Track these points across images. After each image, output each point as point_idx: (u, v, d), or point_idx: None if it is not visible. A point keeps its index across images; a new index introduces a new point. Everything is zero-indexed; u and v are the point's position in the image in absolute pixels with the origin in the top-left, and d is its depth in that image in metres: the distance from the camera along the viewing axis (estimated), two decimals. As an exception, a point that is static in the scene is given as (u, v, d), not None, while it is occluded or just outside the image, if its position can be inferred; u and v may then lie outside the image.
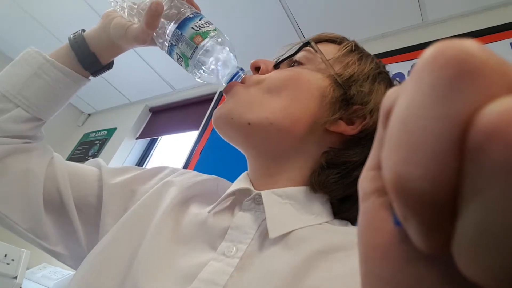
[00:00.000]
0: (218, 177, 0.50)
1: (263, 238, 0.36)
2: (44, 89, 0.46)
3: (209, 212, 0.41)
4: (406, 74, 1.22)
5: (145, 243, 0.37)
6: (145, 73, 2.05)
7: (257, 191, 0.40)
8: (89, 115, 2.72)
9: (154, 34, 0.44)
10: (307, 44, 0.45)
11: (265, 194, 0.39)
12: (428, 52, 0.10)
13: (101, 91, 2.32)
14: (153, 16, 0.41)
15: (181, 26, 0.42)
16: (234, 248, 0.35)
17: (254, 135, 0.41)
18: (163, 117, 2.22)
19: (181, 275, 0.33)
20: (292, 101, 0.41)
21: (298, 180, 0.41)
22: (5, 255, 1.19)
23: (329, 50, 0.45)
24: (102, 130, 2.41)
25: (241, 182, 0.43)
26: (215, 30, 0.43)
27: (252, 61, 0.47)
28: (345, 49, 0.46)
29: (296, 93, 0.42)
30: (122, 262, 0.36)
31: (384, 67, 0.50)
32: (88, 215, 0.46)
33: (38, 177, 0.44)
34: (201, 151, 1.60)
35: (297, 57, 0.46)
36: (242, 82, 0.45)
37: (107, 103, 2.50)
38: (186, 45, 0.41)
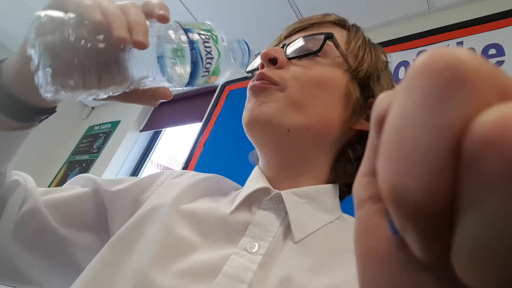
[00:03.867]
0: (217, 175, 0.49)
1: (284, 236, 0.36)
2: None
3: (230, 214, 0.39)
4: (411, 62, 1.20)
5: (151, 237, 0.36)
6: (148, 65, 2.04)
7: (276, 191, 0.40)
8: (93, 108, 2.73)
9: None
10: (329, 37, 0.42)
11: (285, 194, 0.39)
12: (419, 60, 0.10)
13: (104, 84, 2.32)
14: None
15: (190, 82, 0.33)
16: (256, 244, 0.35)
17: (289, 140, 0.40)
18: (166, 109, 2.22)
19: (202, 267, 0.33)
20: (325, 105, 0.41)
21: (318, 179, 0.42)
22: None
23: (338, 37, 0.44)
24: (106, 123, 2.42)
25: (258, 181, 0.42)
26: (215, 40, 0.33)
27: (264, 51, 0.43)
28: (357, 40, 0.45)
29: (326, 96, 0.41)
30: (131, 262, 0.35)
31: (387, 56, 0.50)
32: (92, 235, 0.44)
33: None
34: (205, 142, 1.60)
35: (313, 46, 0.43)
36: (267, 78, 0.41)
37: (110, 96, 2.50)
38: (204, 82, 0.34)
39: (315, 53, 0.42)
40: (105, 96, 0.31)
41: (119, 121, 2.33)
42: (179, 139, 2.30)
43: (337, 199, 0.43)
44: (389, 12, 1.38)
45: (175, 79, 0.32)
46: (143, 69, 0.31)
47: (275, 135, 0.40)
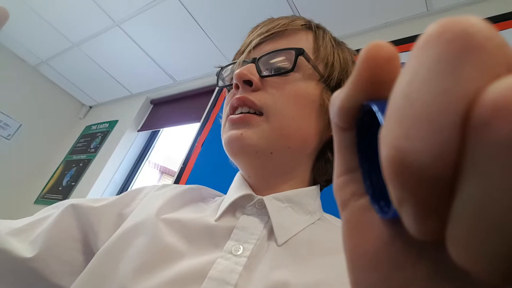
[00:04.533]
0: (199, 185, 0.50)
1: (268, 239, 0.37)
2: None
3: (216, 221, 0.39)
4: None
5: (136, 247, 0.36)
6: (146, 64, 2.04)
7: (258, 197, 0.41)
8: (90, 107, 2.72)
9: None
10: (301, 53, 0.41)
11: (267, 200, 0.40)
12: (432, 27, 0.09)
13: (102, 83, 2.31)
14: None
15: None
16: (241, 247, 0.35)
17: (272, 161, 0.41)
18: (164, 109, 2.21)
19: (189, 273, 0.33)
20: (303, 122, 0.41)
21: (300, 183, 0.44)
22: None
23: (306, 45, 0.43)
24: (104, 123, 2.41)
25: (241, 188, 0.43)
26: None
27: (239, 73, 0.41)
28: (325, 45, 0.45)
29: (304, 113, 0.41)
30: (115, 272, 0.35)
31: (352, 54, 0.50)
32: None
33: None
34: (203, 143, 1.60)
35: (282, 63, 0.42)
36: (249, 104, 0.41)
37: (108, 95, 2.49)
38: None
39: (288, 72, 0.41)
40: None
41: (116, 121, 2.32)
42: (177, 139, 2.30)
43: (318, 200, 0.44)
44: (388, 14, 1.38)
45: None
46: None
47: (258, 158, 0.41)
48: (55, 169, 2.36)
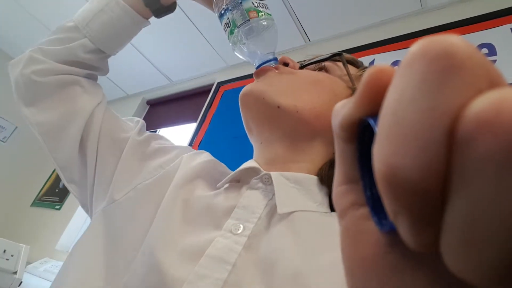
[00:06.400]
0: (216, 159, 0.51)
1: (270, 217, 0.36)
2: (108, 24, 0.51)
3: (218, 187, 0.42)
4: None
5: (158, 216, 0.39)
6: (142, 65, 2.03)
7: (265, 172, 0.40)
8: (86, 109, 2.71)
9: None
10: (339, 54, 0.48)
11: (275, 175, 0.39)
12: (416, 47, 0.10)
13: (98, 85, 2.31)
14: None
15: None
16: (241, 226, 0.35)
17: (279, 118, 0.43)
18: (160, 110, 2.21)
19: (188, 252, 0.33)
20: (319, 98, 0.44)
21: (309, 171, 0.42)
22: (4, 251, 1.19)
23: (350, 68, 0.49)
24: (100, 124, 2.39)
25: (249, 163, 0.44)
26: (269, 14, 0.46)
27: (282, 56, 0.49)
28: (364, 71, 0.50)
29: (322, 92, 0.44)
30: (143, 226, 0.38)
31: None
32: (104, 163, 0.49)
33: (81, 119, 0.49)
34: (200, 143, 1.60)
35: (323, 63, 0.49)
36: (269, 67, 0.47)
37: (104, 96, 2.49)
38: (240, 15, 0.44)
39: (321, 61, 0.48)
40: None
41: (113, 122, 2.32)
42: (174, 140, 2.29)
43: (327, 198, 0.41)
44: (383, 12, 1.39)
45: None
46: None
47: (265, 109, 0.43)
48: (51, 171, 2.35)
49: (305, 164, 0.42)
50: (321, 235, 0.33)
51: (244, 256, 0.32)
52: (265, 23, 0.45)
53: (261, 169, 0.41)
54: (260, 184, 0.40)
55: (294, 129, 0.43)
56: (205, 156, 0.50)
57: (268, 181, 0.39)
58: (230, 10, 0.45)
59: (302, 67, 0.49)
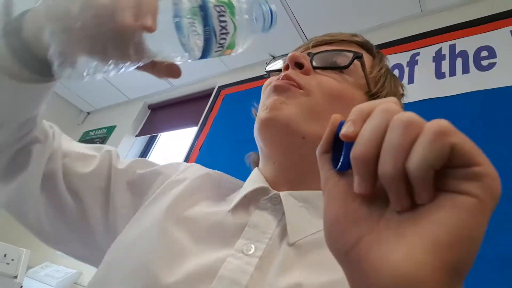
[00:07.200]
0: (221, 172, 0.49)
1: (281, 239, 0.36)
2: None
3: (229, 211, 0.39)
4: (404, 65, 1.21)
5: (156, 234, 0.37)
6: (143, 70, 2.04)
7: (275, 191, 0.40)
8: (88, 113, 2.71)
9: None
10: (359, 57, 0.43)
11: (284, 196, 0.39)
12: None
13: (100, 89, 2.31)
14: None
15: (204, 55, 0.33)
16: (252, 246, 0.34)
17: (302, 147, 0.40)
18: (162, 114, 2.21)
19: (199, 273, 0.32)
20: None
21: (318, 187, 0.41)
22: (5, 255, 1.19)
23: (365, 60, 0.45)
24: (102, 128, 2.40)
25: (257, 181, 0.42)
26: (233, 25, 0.33)
27: (292, 54, 0.42)
28: (381, 67, 0.47)
29: (345, 112, 0.41)
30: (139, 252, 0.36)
31: (404, 89, 0.53)
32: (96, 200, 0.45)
33: (35, 186, 0.40)
34: (201, 147, 1.60)
35: (341, 62, 0.44)
36: (293, 80, 0.41)
37: (105, 101, 2.49)
38: (219, 55, 0.34)
39: (342, 68, 0.43)
40: (116, 72, 0.29)
41: (114, 126, 2.32)
42: (175, 144, 2.29)
43: None
44: (382, 15, 1.40)
45: (191, 48, 0.30)
46: (160, 42, 0.29)
47: (290, 139, 0.40)
48: (53, 175, 2.35)
49: (314, 183, 0.41)
50: (326, 255, 0.33)
51: (255, 278, 0.32)
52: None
53: (270, 189, 0.40)
54: (269, 205, 0.39)
55: (312, 156, 0.41)
56: (196, 169, 0.48)
57: (277, 200, 0.39)
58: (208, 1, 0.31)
59: (316, 68, 0.44)
